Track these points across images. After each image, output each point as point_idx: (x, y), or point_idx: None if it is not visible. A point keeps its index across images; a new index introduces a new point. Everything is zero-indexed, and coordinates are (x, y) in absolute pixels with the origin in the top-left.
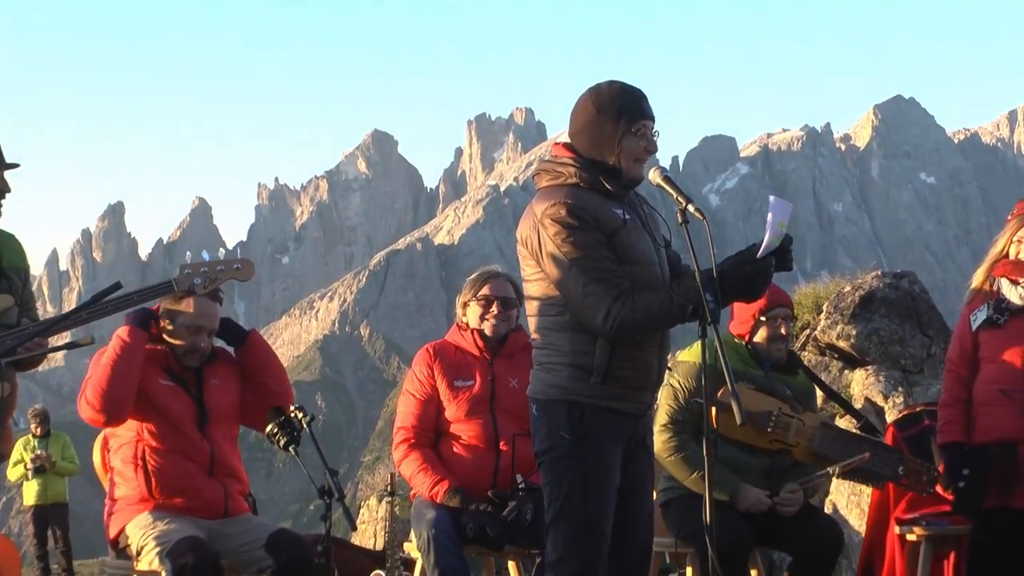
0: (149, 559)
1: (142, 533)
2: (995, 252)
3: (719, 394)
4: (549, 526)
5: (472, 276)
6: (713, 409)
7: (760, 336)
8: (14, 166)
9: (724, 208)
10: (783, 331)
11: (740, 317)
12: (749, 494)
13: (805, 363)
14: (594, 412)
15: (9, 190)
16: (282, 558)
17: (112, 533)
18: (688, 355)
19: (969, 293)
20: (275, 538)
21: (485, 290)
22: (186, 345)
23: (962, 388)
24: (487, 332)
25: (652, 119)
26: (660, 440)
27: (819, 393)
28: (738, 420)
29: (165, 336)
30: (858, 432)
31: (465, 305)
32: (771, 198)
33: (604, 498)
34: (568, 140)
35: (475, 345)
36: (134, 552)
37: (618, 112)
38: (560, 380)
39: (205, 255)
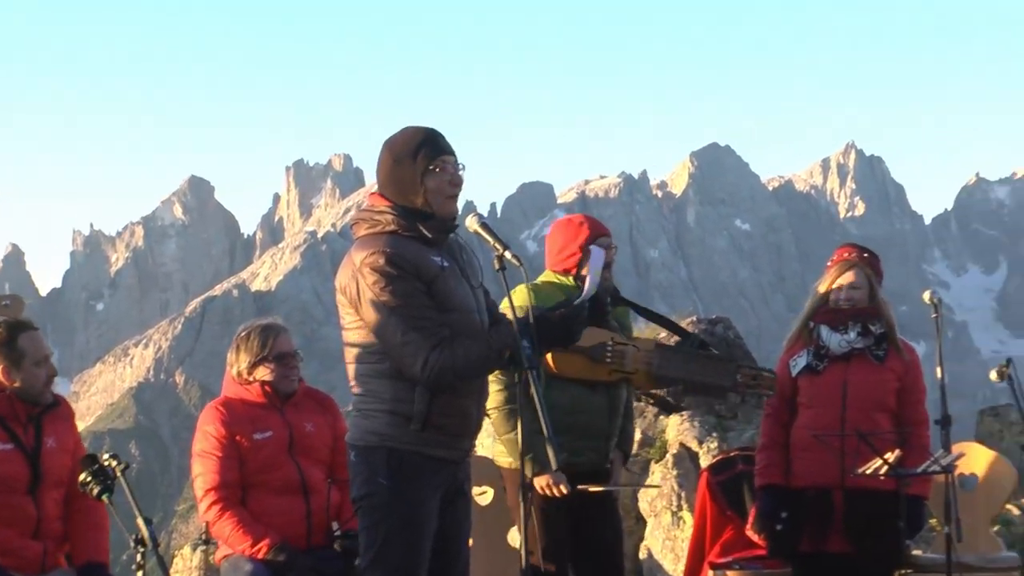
0: None
1: None
2: (815, 300)
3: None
4: (364, 571)
5: (251, 332)
6: (549, 356)
7: (586, 268)
8: None
9: (542, 254)
10: (608, 257)
11: (564, 252)
12: (544, 475)
13: None
14: (412, 459)
15: None
16: None
17: None
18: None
19: (789, 339)
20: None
21: (279, 348)
22: (44, 380)
23: (780, 431)
24: (285, 389)
25: (451, 153)
26: (492, 393)
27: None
28: (552, 464)
29: (5, 380)
30: (692, 348)
31: (254, 366)
32: (592, 248)
33: (420, 545)
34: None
35: (263, 396)
36: None
37: (413, 153)
38: (379, 426)
39: None
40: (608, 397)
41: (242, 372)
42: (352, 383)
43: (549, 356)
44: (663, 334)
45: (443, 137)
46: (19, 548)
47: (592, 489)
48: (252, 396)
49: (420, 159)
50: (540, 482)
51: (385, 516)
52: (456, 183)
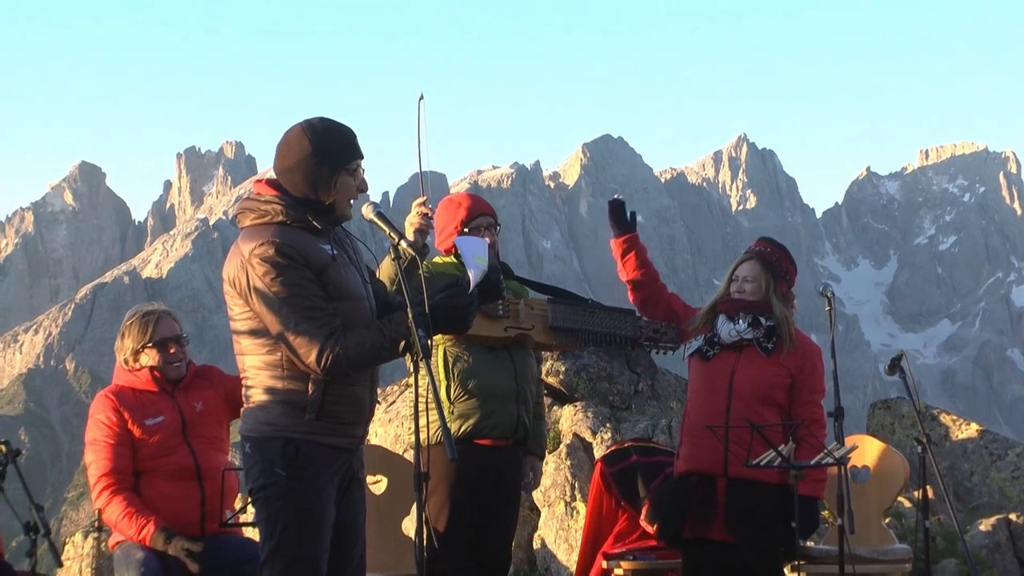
0: None
1: None
2: (720, 290)
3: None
4: (264, 562)
5: (133, 319)
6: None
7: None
8: None
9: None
10: (489, 238)
11: (443, 233)
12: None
13: None
14: (308, 448)
15: None
16: None
17: None
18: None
19: (694, 324)
20: None
21: (161, 333)
22: None
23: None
24: (170, 375)
25: (363, 157)
26: None
27: None
28: (448, 456)
29: None
30: (585, 299)
31: (137, 352)
32: (456, 239)
33: (320, 533)
34: (271, 177)
35: (153, 382)
36: None
37: (335, 151)
38: (273, 417)
39: None
40: (511, 358)
41: (128, 359)
42: (243, 375)
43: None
44: None
45: (358, 139)
46: None
47: None
48: (141, 383)
49: (341, 157)
50: None
51: (284, 506)
52: (363, 188)
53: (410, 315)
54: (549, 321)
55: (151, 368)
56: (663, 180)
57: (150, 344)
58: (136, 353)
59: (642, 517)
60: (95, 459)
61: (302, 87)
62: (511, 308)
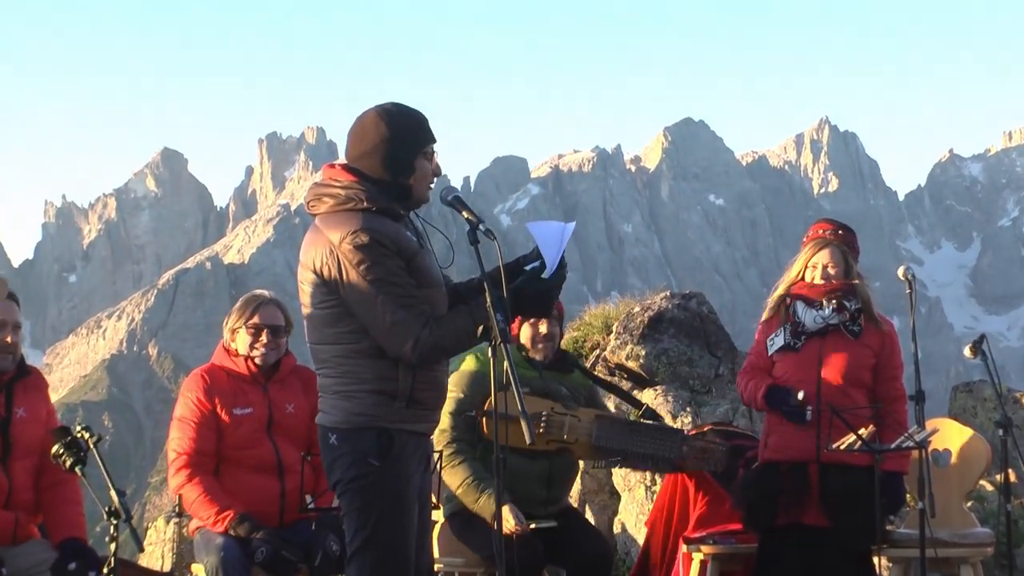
0: None
1: None
2: (790, 276)
3: (487, 404)
4: (355, 553)
5: (240, 302)
6: (484, 420)
7: (524, 337)
8: None
9: (516, 229)
10: (543, 330)
11: None
12: (506, 515)
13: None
14: (401, 436)
15: None
16: None
17: None
18: (466, 364)
19: (766, 312)
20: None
21: (255, 319)
22: None
23: (759, 372)
24: (257, 361)
25: (436, 141)
26: (457, 468)
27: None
28: (528, 440)
29: None
30: (636, 419)
31: (234, 332)
32: (529, 224)
33: (411, 521)
34: (345, 162)
35: (248, 370)
36: None
37: (412, 134)
38: (364, 407)
39: None
40: (549, 465)
41: (226, 338)
42: (322, 364)
43: (486, 425)
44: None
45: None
46: None
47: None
48: (237, 368)
49: (418, 140)
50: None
51: (377, 496)
52: (438, 173)
53: (488, 300)
54: (593, 439)
55: (247, 357)
56: (744, 163)
57: (246, 326)
58: (233, 332)
59: (728, 498)
60: (179, 436)
61: (382, 72)
62: (553, 420)
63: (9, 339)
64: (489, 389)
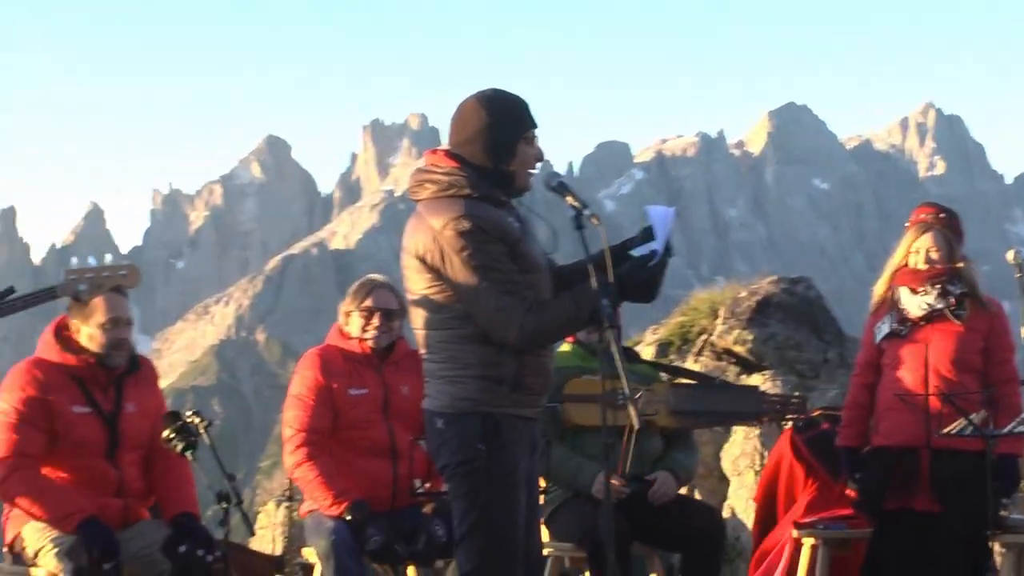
0: (46, 560)
1: (39, 536)
2: (894, 262)
3: (568, 388)
4: (463, 537)
5: (355, 285)
6: (567, 406)
7: (582, 334)
8: None
9: (620, 214)
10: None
11: None
12: (598, 480)
13: (700, 367)
14: (507, 421)
15: None
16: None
17: (8, 537)
18: None
19: (873, 303)
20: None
21: (368, 302)
22: (108, 342)
23: (866, 394)
24: (369, 344)
25: (537, 126)
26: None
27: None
28: (634, 424)
29: (84, 344)
30: (708, 375)
31: (348, 314)
32: (647, 208)
33: (518, 507)
34: (447, 148)
35: (363, 351)
36: (30, 555)
37: (513, 120)
38: (470, 392)
39: (92, 260)
40: (637, 442)
41: (341, 320)
42: (427, 349)
43: (567, 409)
44: None
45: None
46: (101, 506)
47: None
48: (352, 348)
49: (519, 126)
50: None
51: (485, 481)
52: (540, 158)
53: (594, 284)
54: (672, 405)
55: (360, 340)
56: (848, 147)
57: (359, 309)
58: (347, 314)
59: (839, 483)
60: (295, 414)
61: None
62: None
63: (123, 335)
64: (565, 377)
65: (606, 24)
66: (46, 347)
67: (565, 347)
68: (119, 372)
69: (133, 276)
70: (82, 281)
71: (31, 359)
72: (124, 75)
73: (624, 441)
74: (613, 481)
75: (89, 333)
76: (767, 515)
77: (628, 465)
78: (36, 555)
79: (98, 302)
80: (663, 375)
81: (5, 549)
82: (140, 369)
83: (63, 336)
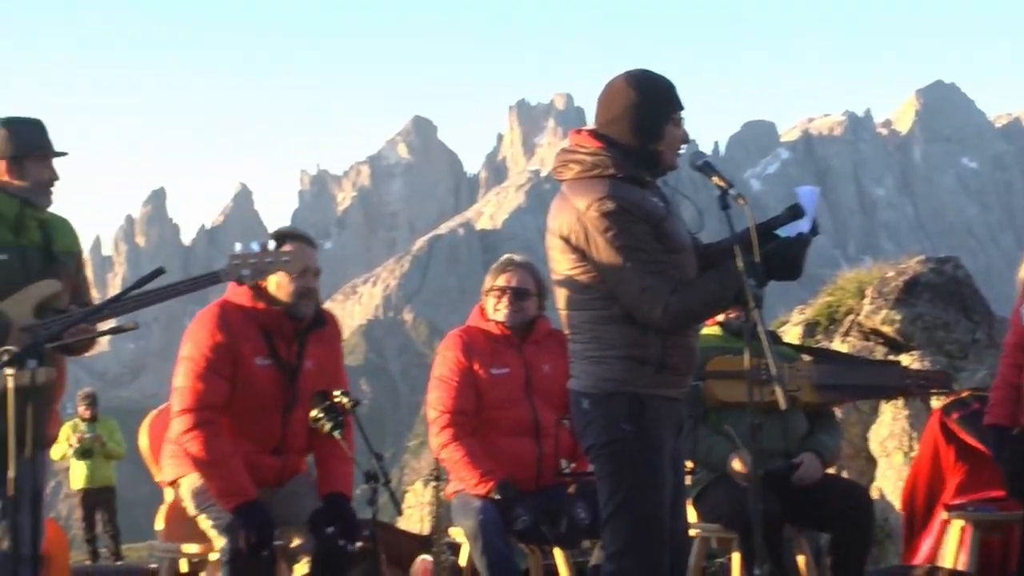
0: (205, 525)
1: (197, 501)
2: None
3: (711, 365)
4: (609, 518)
5: (494, 264)
6: (709, 384)
7: (725, 315)
8: (62, 154)
9: (766, 193)
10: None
11: None
12: (741, 458)
13: (848, 349)
14: (652, 402)
15: (58, 177)
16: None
17: (169, 475)
18: None
19: (1020, 286)
20: (317, 516)
21: (500, 281)
22: (296, 290)
23: (1016, 373)
24: (501, 320)
25: (684, 108)
26: None
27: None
28: (781, 404)
29: (273, 293)
30: (849, 353)
31: (487, 294)
32: (797, 189)
33: (664, 487)
34: (592, 128)
35: (502, 331)
36: (189, 510)
37: (660, 100)
38: (615, 372)
39: (254, 246)
40: (781, 419)
41: (483, 299)
42: (573, 330)
43: (711, 386)
44: None
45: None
46: (258, 463)
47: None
48: (493, 330)
49: (666, 106)
50: (737, 466)
51: (631, 461)
52: (686, 140)
53: (740, 264)
54: (815, 380)
55: (497, 322)
56: (998, 125)
57: (493, 289)
58: (486, 294)
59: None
60: (439, 395)
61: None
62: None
63: (311, 285)
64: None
65: (751, 4)
66: (236, 291)
67: (708, 328)
68: (304, 325)
69: (296, 262)
70: (245, 266)
71: (220, 301)
72: (272, 57)
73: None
74: (740, 462)
75: (278, 281)
76: (918, 497)
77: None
78: (195, 516)
79: (286, 250)
80: (805, 357)
81: (164, 482)
82: (324, 326)
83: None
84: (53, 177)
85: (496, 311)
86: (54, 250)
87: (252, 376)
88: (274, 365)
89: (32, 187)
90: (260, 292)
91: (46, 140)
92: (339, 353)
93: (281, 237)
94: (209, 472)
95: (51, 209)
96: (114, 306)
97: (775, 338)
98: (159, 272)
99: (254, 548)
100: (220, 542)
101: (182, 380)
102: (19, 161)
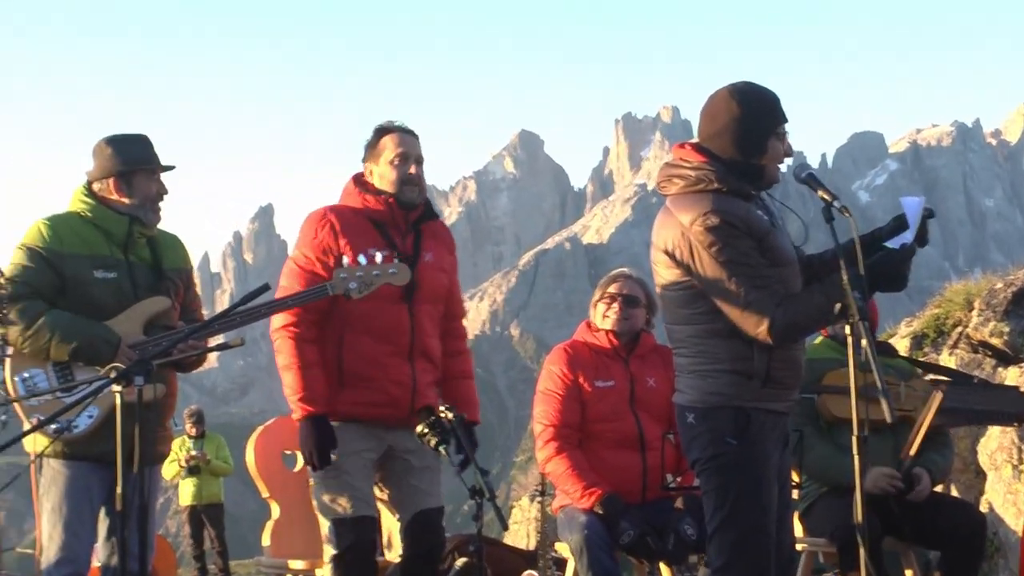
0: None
1: (321, 476)
2: None
3: (826, 379)
4: (715, 532)
5: (604, 277)
6: (823, 399)
7: (833, 328)
8: (170, 168)
9: (874, 205)
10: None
11: None
12: (871, 475)
13: (956, 362)
14: (758, 416)
15: (166, 191)
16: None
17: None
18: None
19: None
20: (413, 526)
21: (612, 288)
22: (400, 177)
23: None
24: (610, 327)
25: (787, 121)
26: None
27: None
28: (887, 418)
29: (378, 183)
30: (970, 377)
31: (595, 304)
32: (902, 199)
33: (770, 500)
34: (695, 142)
35: (609, 344)
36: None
37: (764, 114)
38: (720, 386)
39: (361, 259)
40: (894, 437)
41: (589, 313)
42: (678, 344)
43: (824, 401)
44: None
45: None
46: (390, 373)
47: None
48: (599, 343)
49: (770, 120)
50: (871, 488)
51: (736, 476)
52: (790, 154)
53: (845, 277)
54: (944, 402)
55: (608, 331)
56: None
57: (603, 297)
58: (594, 305)
59: None
60: (544, 408)
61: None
62: (892, 390)
63: (413, 171)
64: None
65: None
66: (345, 195)
67: (818, 340)
68: (416, 216)
69: (403, 274)
70: (352, 279)
71: (327, 205)
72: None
73: (913, 432)
74: (890, 481)
75: (380, 172)
76: None
77: (913, 450)
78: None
79: (388, 139)
80: (920, 371)
81: (271, 498)
82: (436, 220)
83: (361, 181)
84: (161, 191)
85: (605, 318)
86: (163, 267)
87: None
88: (391, 255)
89: (140, 203)
90: (366, 187)
91: (152, 154)
92: (455, 259)
93: (381, 129)
94: (288, 374)
95: (160, 225)
96: (222, 322)
97: (892, 351)
98: (265, 288)
99: (310, 463)
100: (329, 540)
101: (284, 279)
102: (126, 177)
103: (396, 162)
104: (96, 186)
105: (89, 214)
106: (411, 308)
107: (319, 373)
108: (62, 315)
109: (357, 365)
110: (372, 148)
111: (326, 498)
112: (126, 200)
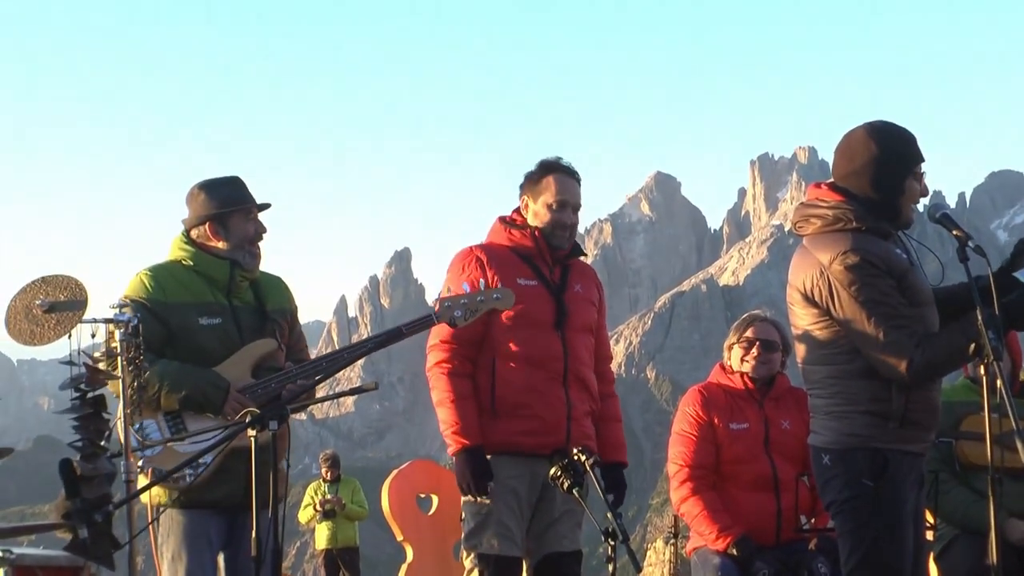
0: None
1: (473, 511)
2: None
3: (965, 424)
4: (851, 573)
5: (739, 320)
6: (960, 443)
7: (969, 368)
8: (265, 206)
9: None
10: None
11: None
12: (1016, 527)
13: None
14: (895, 457)
15: (265, 230)
16: None
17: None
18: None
19: None
20: (540, 568)
21: (749, 332)
22: (552, 221)
23: None
24: (748, 374)
25: (924, 160)
26: None
27: None
28: None
29: (531, 220)
30: None
31: (730, 348)
32: None
33: (907, 542)
34: (831, 182)
35: (744, 386)
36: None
37: (902, 154)
38: (857, 428)
39: (465, 287)
40: None
41: (724, 356)
42: (814, 385)
43: (961, 446)
44: None
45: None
46: (545, 400)
47: None
48: (734, 384)
49: (908, 160)
50: (1013, 539)
51: (873, 517)
52: (925, 193)
53: (980, 316)
54: None
55: (743, 373)
56: None
57: (739, 341)
58: (730, 348)
59: None
60: (679, 450)
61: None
62: None
63: (569, 220)
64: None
65: (998, 48)
66: (492, 233)
67: (958, 381)
68: (564, 254)
69: (507, 299)
70: (457, 308)
71: (474, 244)
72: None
73: None
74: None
75: (536, 210)
76: None
77: None
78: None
79: (551, 180)
80: None
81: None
82: (582, 257)
83: (508, 220)
84: (260, 230)
85: (743, 363)
86: (267, 309)
87: (518, 295)
88: (539, 285)
89: (239, 244)
90: (513, 223)
91: (245, 194)
92: (603, 296)
93: (546, 167)
94: (443, 409)
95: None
96: (331, 360)
97: None
98: (398, 333)
99: (467, 493)
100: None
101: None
102: (222, 220)
103: (554, 207)
104: (194, 232)
105: (190, 261)
106: (563, 335)
107: (472, 406)
108: (170, 364)
109: (510, 393)
110: (534, 183)
111: (475, 531)
112: (223, 244)
